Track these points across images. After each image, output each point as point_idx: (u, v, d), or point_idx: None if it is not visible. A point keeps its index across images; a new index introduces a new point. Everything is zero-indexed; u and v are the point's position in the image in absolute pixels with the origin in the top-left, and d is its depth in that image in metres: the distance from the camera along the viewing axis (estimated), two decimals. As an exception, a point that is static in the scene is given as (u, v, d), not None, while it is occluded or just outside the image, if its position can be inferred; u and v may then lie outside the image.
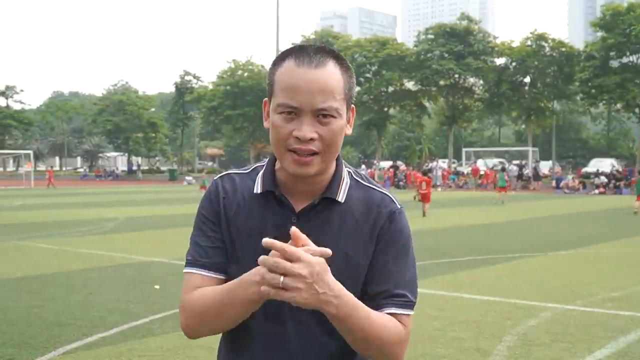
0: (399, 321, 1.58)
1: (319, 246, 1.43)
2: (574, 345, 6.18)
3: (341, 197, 1.62)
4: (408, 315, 1.60)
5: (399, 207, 1.66)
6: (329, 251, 1.41)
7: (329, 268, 1.41)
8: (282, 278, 1.35)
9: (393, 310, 1.58)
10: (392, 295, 1.59)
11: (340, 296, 1.44)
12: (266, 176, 1.65)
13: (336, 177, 1.63)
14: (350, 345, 1.56)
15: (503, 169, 36.35)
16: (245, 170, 1.72)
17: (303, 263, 1.37)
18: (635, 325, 6.95)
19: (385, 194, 1.67)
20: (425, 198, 21.79)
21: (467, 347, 6.10)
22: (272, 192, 1.62)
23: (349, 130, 1.61)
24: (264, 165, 1.69)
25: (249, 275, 1.46)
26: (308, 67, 1.52)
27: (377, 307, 1.57)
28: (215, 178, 1.73)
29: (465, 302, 8.15)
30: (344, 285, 1.50)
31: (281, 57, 1.57)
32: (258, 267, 1.42)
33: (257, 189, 1.65)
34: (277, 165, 1.65)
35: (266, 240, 1.38)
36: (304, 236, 1.42)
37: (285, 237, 1.43)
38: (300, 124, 1.52)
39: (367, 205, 1.63)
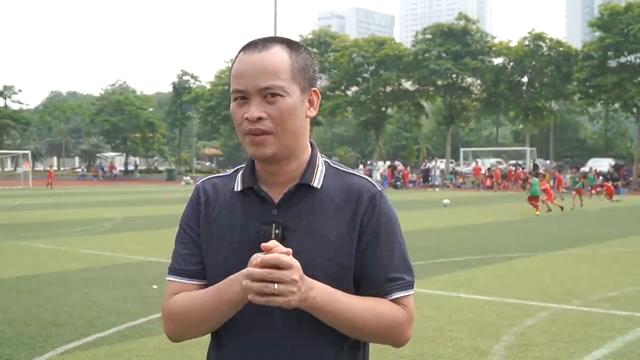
0: (401, 304, 1.59)
1: (303, 233, 1.54)
2: (571, 345, 6.19)
3: (317, 183, 1.61)
4: (409, 296, 1.60)
5: (380, 189, 1.64)
6: (289, 250, 1.43)
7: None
8: (276, 285, 1.37)
9: (394, 295, 1.59)
10: (388, 280, 1.59)
11: (315, 287, 1.47)
12: (246, 174, 1.67)
13: (310, 165, 1.63)
14: (348, 334, 1.58)
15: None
16: (226, 173, 1.75)
17: (294, 268, 1.40)
18: (633, 325, 6.96)
19: (365, 178, 1.66)
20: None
21: (465, 347, 6.11)
22: (252, 188, 1.63)
23: (311, 113, 1.62)
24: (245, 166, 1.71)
25: (236, 277, 1.49)
26: (252, 52, 1.57)
27: (376, 295, 1.58)
28: (197, 183, 1.75)
29: (463, 301, 8.15)
30: (331, 272, 1.55)
31: (237, 53, 1.63)
32: (243, 271, 1.44)
33: (238, 187, 1.67)
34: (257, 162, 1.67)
35: (254, 264, 1.40)
36: (275, 243, 1.44)
37: (268, 228, 1.56)
38: (249, 106, 1.54)
39: (347, 190, 1.62)
